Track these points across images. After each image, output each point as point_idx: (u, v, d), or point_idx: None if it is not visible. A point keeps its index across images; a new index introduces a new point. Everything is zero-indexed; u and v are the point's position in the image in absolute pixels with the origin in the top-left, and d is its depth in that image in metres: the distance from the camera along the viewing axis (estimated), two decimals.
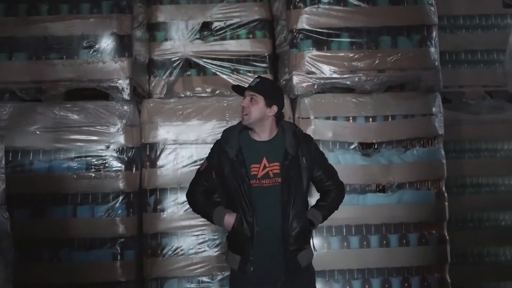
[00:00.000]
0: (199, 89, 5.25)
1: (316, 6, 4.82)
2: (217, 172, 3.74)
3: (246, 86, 3.75)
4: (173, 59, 5.32)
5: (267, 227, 3.60)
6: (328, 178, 3.83)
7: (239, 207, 3.64)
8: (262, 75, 4.56)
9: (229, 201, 3.73)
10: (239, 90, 3.81)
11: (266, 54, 5.34)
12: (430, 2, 4.90)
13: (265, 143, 3.75)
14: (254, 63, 5.33)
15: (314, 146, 3.85)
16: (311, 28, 4.82)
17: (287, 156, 3.71)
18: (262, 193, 3.67)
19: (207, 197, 3.82)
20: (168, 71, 5.29)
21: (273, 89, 3.83)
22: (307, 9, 4.82)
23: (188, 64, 5.34)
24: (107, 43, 4.70)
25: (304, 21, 4.80)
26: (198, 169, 3.86)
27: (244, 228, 3.59)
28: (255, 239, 3.58)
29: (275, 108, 3.71)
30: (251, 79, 4.96)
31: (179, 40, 5.34)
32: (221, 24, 5.36)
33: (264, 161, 3.72)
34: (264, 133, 3.72)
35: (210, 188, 3.81)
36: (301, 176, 3.70)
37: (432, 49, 4.89)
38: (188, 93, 5.22)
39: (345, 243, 4.71)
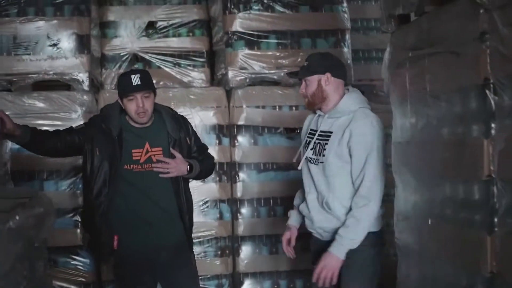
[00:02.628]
0: None
1: (248, 12, 5.71)
2: (85, 144, 3.96)
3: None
4: (122, 54, 6.10)
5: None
6: (201, 153, 4.23)
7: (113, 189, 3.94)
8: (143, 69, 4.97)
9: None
10: None
11: (204, 50, 6.18)
12: (344, 10, 5.87)
13: (146, 128, 4.01)
14: (193, 58, 6.15)
15: (190, 125, 4.23)
16: (243, 31, 5.70)
17: (171, 140, 4.02)
18: (145, 178, 3.96)
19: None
20: (118, 65, 6.08)
21: (151, 79, 4.07)
22: (240, 14, 5.71)
23: (135, 58, 6.11)
24: (68, 41, 5.52)
25: (238, 25, 5.71)
26: (70, 127, 4.17)
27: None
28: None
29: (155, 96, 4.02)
30: (191, 72, 6.17)
31: (127, 37, 6.13)
32: (165, 23, 6.16)
33: (147, 146, 3.98)
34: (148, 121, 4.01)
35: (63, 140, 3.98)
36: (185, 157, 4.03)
37: (345, 49, 5.85)
38: None
39: (272, 213, 5.66)
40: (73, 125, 4.92)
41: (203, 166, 4.17)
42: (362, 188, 3.59)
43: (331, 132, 3.71)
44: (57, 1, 5.59)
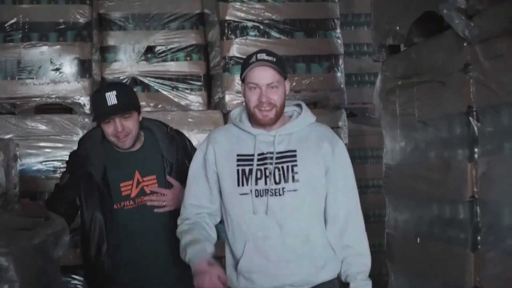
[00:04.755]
0: (143, 103, 6.01)
1: (245, 37, 5.96)
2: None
3: (111, 108, 3.15)
4: (121, 78, 6.27)
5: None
6: None
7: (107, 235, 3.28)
8: (126, 89, 3.67)
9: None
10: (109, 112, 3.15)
11: (201, 74, 6.39)
12: (337, 36, 6.15)
13: (134, 153, 3.32)
14: (190, 82, 6.35)
15: (189, 142, 3.52)
16: (240, 56, 5.84)
17: (166, 165, 3.32)
18: (140, 216, 3.29)
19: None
20: None
21: (133, 94, 3.39)
22: (237, 40, 5.95)
23: (134, 82, 6.29)
24: (71, 66, 5.71)
25: (235, 50, 5.94)
26: (57, 184, 3.48)
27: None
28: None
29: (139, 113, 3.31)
30: (189, 95, 6.42)
31: (126, 61, 6.32)
32: (163, 48, 6.36)
33: (137, 175, 3.29)
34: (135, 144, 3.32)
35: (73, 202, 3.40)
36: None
37: (339, 74, 6.11)
38: None
39: None
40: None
41: None
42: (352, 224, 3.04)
43: (295, 151, 2.91)
44: (60, 27, 5.81)
